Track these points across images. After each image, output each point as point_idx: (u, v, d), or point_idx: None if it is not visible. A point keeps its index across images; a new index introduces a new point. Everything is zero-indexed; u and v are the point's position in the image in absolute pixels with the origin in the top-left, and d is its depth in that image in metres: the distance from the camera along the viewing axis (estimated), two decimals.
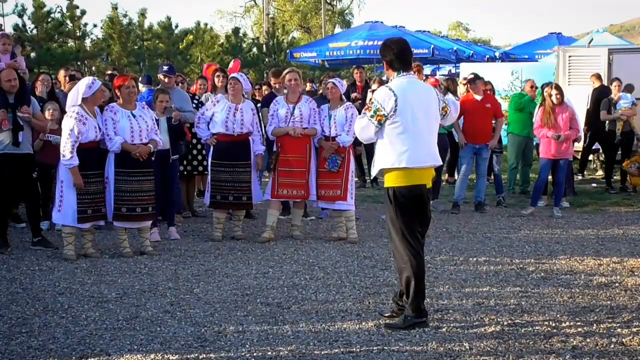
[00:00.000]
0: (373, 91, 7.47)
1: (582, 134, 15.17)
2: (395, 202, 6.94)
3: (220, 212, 11.01)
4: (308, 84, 22.54)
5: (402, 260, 6.98)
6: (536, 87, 15.23)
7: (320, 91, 13.56)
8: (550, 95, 13.10)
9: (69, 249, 9.81)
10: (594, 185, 16.61)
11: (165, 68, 12.13)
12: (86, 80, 9.91)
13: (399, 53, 6.99)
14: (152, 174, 10.06)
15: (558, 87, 13.27)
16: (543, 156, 13.34)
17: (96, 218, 9.86)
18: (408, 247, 6.94)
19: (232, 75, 11.33)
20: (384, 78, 16.36)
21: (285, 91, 11.32)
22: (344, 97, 11.15)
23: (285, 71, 11.37)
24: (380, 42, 7.85)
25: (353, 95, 15.36)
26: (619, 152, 16.12)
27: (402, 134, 6.86)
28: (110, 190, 9.83)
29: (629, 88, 16.49)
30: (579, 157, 17.53)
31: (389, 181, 6.98)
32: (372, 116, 6.89)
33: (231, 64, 15.47)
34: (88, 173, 9.66)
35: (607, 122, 15.92)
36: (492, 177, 14.70)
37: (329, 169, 10.82)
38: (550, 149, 13.13)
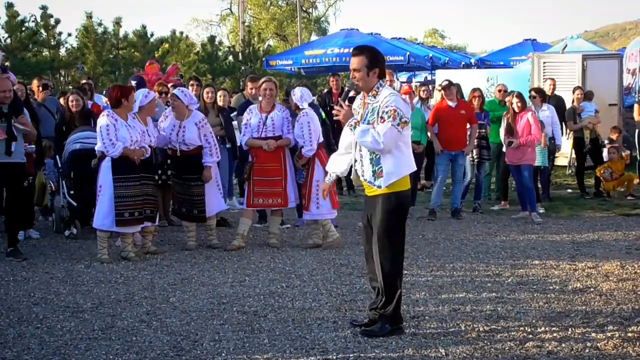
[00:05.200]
0: (351, 98, 7.39)
1: (560, 142, 15.26)
2: (402, 207, 6.99)
3: (187, 221, 11.02)
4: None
5: (394, 269, 6.94)
6: (505, 91, 15.29)
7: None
8: (512, 104, 13.41)
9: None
10: (569, 191, 16.70)
11: (133, 83, 12.09)
12: (143, 91, 10.66)
13: (383, 63, 7.11)
14: (152, 179, 10.42)
15: (519, 95, 13.50)
16: (508, 162, 13.78)
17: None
18: (399, 253, 7.00)
19: (174, 91, 11.13)
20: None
21: (260, 99, 11.27)
22: (298, 105, 11.00)
23: (262, 79, 11.33)
24: None
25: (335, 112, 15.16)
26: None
27: (407, 141, 7.00)
28: (106, 197, 9.94)
29: (589, 95, 16.63)
30: (555, 163, 17.61)
31: (395, 186, 6.92)
32: (398, 124, 6.78)
33: (168, 68, 15.47)
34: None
35: (569, 132, 16.10)
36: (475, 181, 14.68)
37: (297, 181, 10.96)
38: (508, 155, 13.55)
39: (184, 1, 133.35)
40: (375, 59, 7.04)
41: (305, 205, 10.90)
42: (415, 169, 7.19)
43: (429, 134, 13.71)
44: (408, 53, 26.13)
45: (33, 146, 11.38)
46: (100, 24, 28.83)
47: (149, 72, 14.68)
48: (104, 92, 16.92)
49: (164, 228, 12.37)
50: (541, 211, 13.76)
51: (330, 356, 6.47)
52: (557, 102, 16.14)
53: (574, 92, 16.29)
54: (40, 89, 13.31)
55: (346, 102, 7.24)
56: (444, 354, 6.50)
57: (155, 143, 10.67)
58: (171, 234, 12.00)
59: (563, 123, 16.11)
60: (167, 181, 12.46)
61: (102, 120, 10.00)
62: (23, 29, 26.00)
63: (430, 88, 17.81)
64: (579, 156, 16.24)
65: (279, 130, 10.90)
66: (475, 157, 14.02)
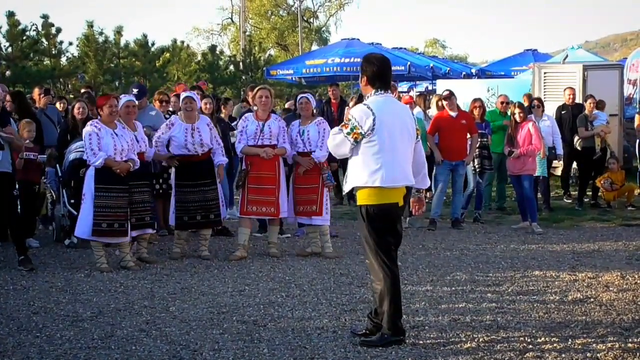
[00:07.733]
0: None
1: (561, 151, 15.24)
2: (368, 220, 6.97)
3: (203, 228, 11.01)
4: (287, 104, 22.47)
5: (376, 277, 6.99)
6: (507, 103, 15.29)
7: (293, 107, 13.54)
8: (514, 114, 13.49)
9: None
10: (569, 201, 16.68)
11: (135, 91, 12.07)
12: (123, 97, 10.68)
13: (380, 71, 6.99)
14: (129, 192, 10.09)
15: (521, 106, 13.56)
16: (508, 173, 13.86)
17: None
18: (382, 264, 6.94)
19: (187, 94, 11.16)
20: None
21: (256, 108, 11.26)
22: (314, 112, 11.10)
23: (257, 88, 11.32)
24: (357, 59, 7.93)
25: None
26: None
27: (377, 154, 6.87)
28: (87, 206, 9.88)
29: (601, 105, 16.62)
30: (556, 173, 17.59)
31: (362, 199, 7.00)
32: (348, 133, 6.91)
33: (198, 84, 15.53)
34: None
35: (579, 139, 16.02)
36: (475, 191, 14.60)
37: (326, 183, 10.88)
38: (509, 165, 13.64)
39: (185, 10, 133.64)
40: (362, 65, 7.15)
41: (319, 210, 10.87)
42: (386, 185, 6.89)
43: (428, 143, 13.70)
44: (409, 63, 26.12)
45: (44, 156, 11.43)
46: (101, 33, 28.73)
47: (178, 91, 14.75)
48: None
49: (164, 237, 12.36)
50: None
51: None
52: (580, 111, 16.14)
53: (586, 100, 16.29)
54: (42, 95, 13.31)
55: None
56: None
57: (148, 153, 10.68)
58: (171, 243, 11.96)
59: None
60: (168, 190, 12.46)
61: (86, 129, 10.01)
62: (24, 37, 25.97)
63: (429, 97, 17.80)
64: (587, 165, 16.21)
65: (275, 139, 10.90)
66: (476, 166, 14.03)
